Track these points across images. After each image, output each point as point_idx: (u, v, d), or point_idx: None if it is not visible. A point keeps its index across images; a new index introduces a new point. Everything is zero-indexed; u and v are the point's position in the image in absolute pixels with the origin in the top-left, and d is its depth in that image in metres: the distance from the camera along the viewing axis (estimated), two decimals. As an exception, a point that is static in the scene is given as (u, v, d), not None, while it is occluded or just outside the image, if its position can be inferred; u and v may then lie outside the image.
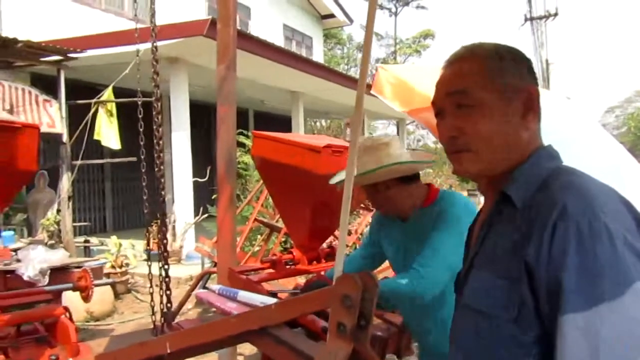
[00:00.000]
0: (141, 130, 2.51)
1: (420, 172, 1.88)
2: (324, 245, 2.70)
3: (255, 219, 4.90)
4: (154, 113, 2.40)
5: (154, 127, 2.41)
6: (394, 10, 32.14)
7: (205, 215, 7.26)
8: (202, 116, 10.95)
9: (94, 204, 10.12)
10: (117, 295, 5.65)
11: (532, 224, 0.80)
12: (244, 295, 2.03)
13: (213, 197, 7.05)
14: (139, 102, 2.56)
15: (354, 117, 1.13)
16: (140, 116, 2.52)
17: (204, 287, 4.21)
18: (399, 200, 1.76)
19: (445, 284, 1.60)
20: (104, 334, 4.63)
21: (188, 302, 4.11)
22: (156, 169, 2.22)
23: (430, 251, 1.63)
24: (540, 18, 22.34)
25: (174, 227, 7.20)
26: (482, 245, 0.93)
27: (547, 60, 21.17)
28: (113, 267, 5.81)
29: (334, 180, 1.90)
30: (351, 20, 18.85)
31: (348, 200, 1.19)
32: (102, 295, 4.79)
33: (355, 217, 6.21)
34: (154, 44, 2.37)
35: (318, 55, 17.40)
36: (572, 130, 2.05)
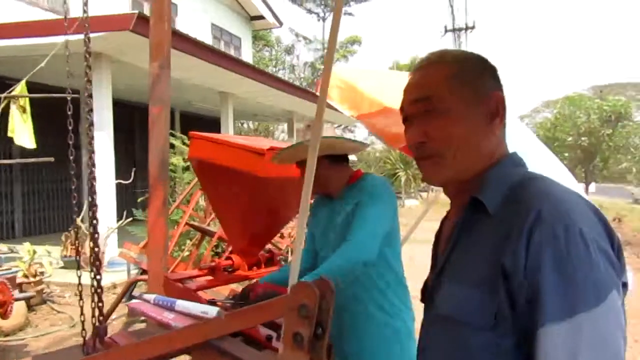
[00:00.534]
0: (70, 128, 2.31)
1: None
2: (264, 250, 2.63)
3: (186, 223, 4.72)
4: (85, 110, 2.22)
5: (85, 125, 2.23)
6: (322, 15, 32.52)
7: (129, 219, 6.90)
8: (125, 116, 10.43)
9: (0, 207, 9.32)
10: (30, 307, 5.18)
11: (507, 231, 0.79)
12: (182, 304, 1.93)
13: (139, 200, 6.72)
14: (69, 98, 2.35)
15: (315, 121, 1.09)
16: (69, 113, 2.32)
17: (131, 296, 3.99)
18: (331, 179, 1.92)
19: (378, 250, 1.74)
20: (16, 350, 4.24)
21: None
22: (89, 172, 2.05)
23: (358, 222, 1.76)
24: (459, 30, 23.57)
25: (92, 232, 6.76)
26: (452, 253, 0.92)
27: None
28: (26, 276, 5.34)
29: (274, 160, 1.99)
30: (280, 23, 18.82)
31: (306, 210, 1.15)
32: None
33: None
34: (87, 35, 2.20)
35: (247, 56, 17.20)
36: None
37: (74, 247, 6.76)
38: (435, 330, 0.94)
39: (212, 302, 2.13)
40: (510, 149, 0.96)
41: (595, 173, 26.65)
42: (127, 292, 3.89)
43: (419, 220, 2.84)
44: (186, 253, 5.22)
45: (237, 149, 2.12)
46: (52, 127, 7.60)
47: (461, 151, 0.90)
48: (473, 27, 23.73)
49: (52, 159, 4.85)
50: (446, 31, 23.74)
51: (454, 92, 0.91)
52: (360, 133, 30.25)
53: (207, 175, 2.35)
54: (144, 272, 4.43)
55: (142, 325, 4.34)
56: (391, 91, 2.10)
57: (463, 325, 0.84)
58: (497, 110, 0.92)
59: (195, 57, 7.49)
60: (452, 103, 0.90)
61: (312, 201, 2.16)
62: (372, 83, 2.14)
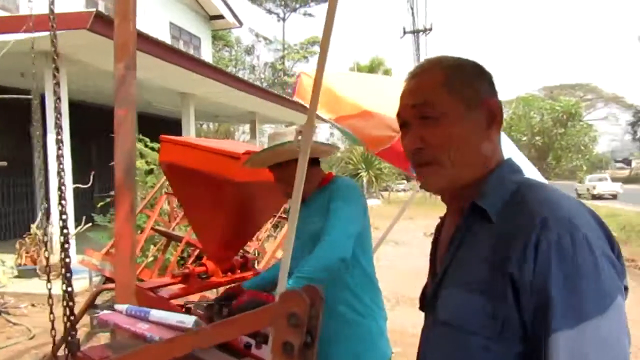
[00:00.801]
0: (35, 129, 2.19)
1: None
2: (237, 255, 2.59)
3: (152, 228, 4.59)
4: (53, 113, 2.11)
5: (55, 129, 2.13)
6: (282, 15, 32.43)
7: (89, 224, 6.66)
8: (81, 117, 10.07)
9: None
10: (-18, 320, 4.94)
11: (511, 239, 0.79)
12: (157, 314, 1.86)
13: (98, 205, 6.50)
14: (36, 101, 2.24)
15: (306, 125, 1.07)
16: (36, 116, 2.20)
17: (94, 306, 3.84)
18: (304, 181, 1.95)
19: (352, 248, 1.76)
20: (-31, 366, 4.02)
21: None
22: (58, 177, 1.94)
23: (332, 222, 1.79)
24: (417, 32, 23.99)
25: (51, 239, 6.50)
26: (453, 259, 0.92)
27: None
28: (-23, 287, 5.08)
29: (246, 165, 2.01)
30: (240, 23, 18.62)
31: (295, 213, 1.12)
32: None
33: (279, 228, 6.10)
34: (53, 33, 2.08)
35: (206, 56, 16.92)
36: None
37: (28, 255, 6.47)
38: (436, 336, 0.94)
39: (187, 310, 2.08)
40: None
41: (548, 171, 27.72)
42: (92, 302, 3.74)
43: (394, 222, 2.86)
44: (150, 259, 5.09)
45: (212, 153, 2.07)
46: (5, 130, 7.24)
47: (459, 157, 0.90)
48: (430, 29, 24.21)
49: (4, 163, 4.62)
50: (405, 33, 24.13)
51: (450, 97, 0.91)
52: (322, 135, 30.36)
53: (179, 180, 2.29)
54: (107, 280, 4.28)
55: (106, 336, 4.19)
56: (370, 95, 2.11)
57: (465, 332, 0.84)
58: (494, 116, 0.92)
59: (156, 57, 7.31)
60: (447, 108, 0.90)
61: (288, 209, 2.17)
62: (350, 86, 2.13)
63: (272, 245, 5.36)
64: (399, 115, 0.98)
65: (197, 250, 4.81)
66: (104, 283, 4.43)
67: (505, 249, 0.79)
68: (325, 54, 0.99)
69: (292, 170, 1.88)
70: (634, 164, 53.06)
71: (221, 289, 2.36)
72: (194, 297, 3.28)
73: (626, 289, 0.79)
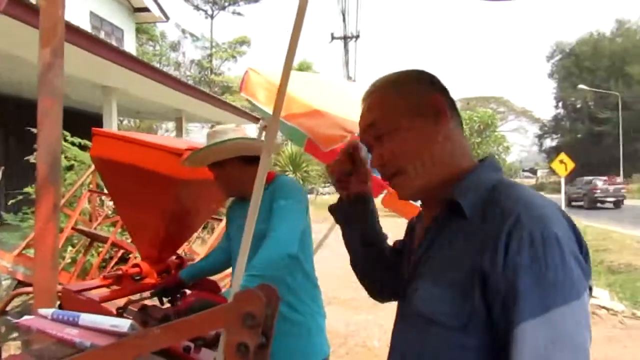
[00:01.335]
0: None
1: None
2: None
3: (73, 228, 4.29)
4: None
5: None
6: (210, 12, 31.75)
7: (-4, 224, 6.13)
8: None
9: None
10: None
11: (485, 235, 0.82)
12: (87, 318, 1.75)
13: (9, 203, 5.99)
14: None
15: (272, 121, 1.05)
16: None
17: (4, 312, 3.53)
18: (243, 180, 1.91)
19: (297, 244, 1.78)
20: None
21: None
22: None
23: (277, 219, 1.79)
24: (346, 38, 24.47)
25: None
26: (427, 252, 0.95)
27: (350, 78, 23.23)
28: None
29: (185, 163, 1.96)
30: (167, 17, 18.00)
31: (255, 211, 1.10)
32: None
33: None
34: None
35: (129, 49, 16.16)
36: None
37: None
38: (407, 326, 0.97)
39: (120, 313, 1.97)
40: None
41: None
42: (5, 307, 3.44)
43: (334, 225, 2.86)
44: (68, 261, 4.76)
45: (152, 149, 1.97)
46: None
47: (419, 162, 0.94)
48: (358, 37, 24.78)
49: None
50: (333, 38, 24.52)
51: (395, 110, 0.97)
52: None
53: (113, 176, 2.16)
54: (20, 283, 3.95)
55: (17, 344, 3.87)
56: (320, 95, 2.11)
57: (435, 324, 0.87)
58: (439, 112, 0.96)
59: (75, 46, 6.86)
60: (393, 123, 0.96)
61: (229, 206, 2.13)
62: (300, 86, 2.11)
63: (202, 248, 5.21)
64: (361, 139, 1.05)
65: (122, 252, 4.58)
66: (15, 288, 4.08)
67: (478, 245, 0.82)
68: (293, 53, 0.98)
69: (232, 169, 1.90)
70: (539, 173, 57.42)
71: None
72: (121, 302, 3.12)
73: (590, 289, 0.83)
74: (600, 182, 24.56)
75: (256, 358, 1.27)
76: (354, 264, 1.26)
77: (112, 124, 9.95)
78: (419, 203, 1.08)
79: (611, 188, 24.16)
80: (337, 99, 2.16)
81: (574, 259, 0.79)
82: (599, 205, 24.26)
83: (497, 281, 0.79)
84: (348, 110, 2.04)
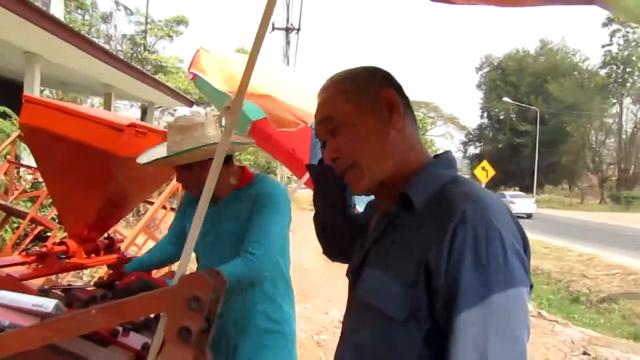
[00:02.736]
0: None
1: None
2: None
3: (-15, 202, 3.97)
4: None
5: None
6: (147, -14, 30.34)
7: None
8: None
9: None
10: None
11: (432, 229, 0.85)
12: (7, 296, 1.64)
13: None
14: None
15: (235, 101, 1.03)
16: None
17: None
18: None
19: (269, 268, 1.72)
20: None
21: None
22: None
23: (259, 233, 1.70)
24: (287, 29, 24.34)
25: None
26: (377, 244, 0.97)
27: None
28: None
29: (142, 160, 1.80)
30: (101, -14, 17.02)
31: (206, 203, 1.07)
32: None
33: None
34: None
35: (57, 15, 15.12)
36: None
37: None
38: (355, 316, 0.99)
39: (45, 292, 1.85)
40: None
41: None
42: None
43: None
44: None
45: (90, 121, 1.86)
46: None
47: (370, 156, 0.96)
48: (299, 29, 24.73)
49: None
50: (273, 28, 24.30)
51: (347, 106, 0.98)
52: (122, 113, 29.13)
53: (44, 148, 2.01)
54: None
55: None
56: (275, 82, 2.08)
57: (379, 313, 0.89)
58: (391, 107, 0.98)
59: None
60: (346, 117, 0.98)
61: (188, 199, 2.06)
62: (255, 71, 2.07)
63: (126, 231, 5.00)
64: (316, 132, 1.06)
65: (40, 229, 4.29)
66: None
67: (425, 239, 0.85)
68: (264, 34, 0.96)
69: (202, 169, 1.74)
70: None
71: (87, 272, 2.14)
72: (38, 282, 2.93)
73: (531, 286, 0.87)
74: (518, 198, 27.81)
75: (198, 343, 1.24)
76: (318, 222, 1.33)
77: (33, 93, 9.28)
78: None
79: (526, 201, 27.53)
80: (290, 87, 2.15)
81: (516, 256, 0.83)
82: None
83: (440, 276, 0.82)
84: (301, 100, 2.03)
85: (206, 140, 1.73)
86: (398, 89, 1.02)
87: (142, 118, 16.85)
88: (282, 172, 22.79)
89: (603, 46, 37.28)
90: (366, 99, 0.98)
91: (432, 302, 0.83)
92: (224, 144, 1.00)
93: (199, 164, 1.75)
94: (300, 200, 23.32)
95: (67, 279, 3.49)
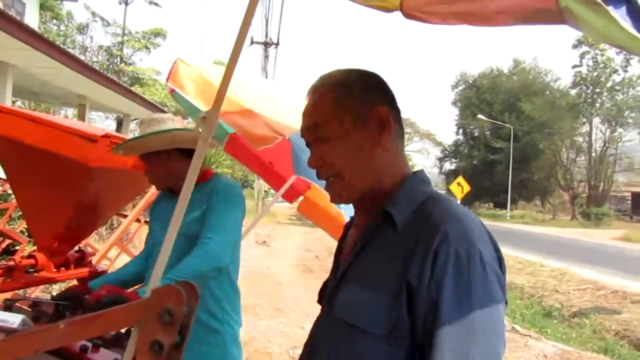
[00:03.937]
0: None
1: None
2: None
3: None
4: None
5: None
6: (125, -2, 30.17)
7: None
8: None
9: None
10: None
11: (413, 247, 0.85)
12: (-29, 311, 1.58)
13: None
14: None
15: (211, 111, 1.02)
16: None
17: None
18: (179, 174, 1.82)
19: (229, 256, 1.71)
20: None
21: None
22: None
23: (212, 227, 1.71)
24: (266, 44, 24.42)
25: None
26: (356, 260, 0.96)
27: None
28: None
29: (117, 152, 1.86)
30: (76, -4, 16.86)
31: (185, 204, 1.06)
32: None
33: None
34: None
35: (31, 25, 14.89)
36: None
37: None
38: (328, 332, 0.97)
39: (9, 306, 1.79)
40: None
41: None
42: None
43: (251, 227, 2.84)
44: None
45: (63, 132, 1.82)
46: None
47: (354, 170, 0.96)
48: (278, 44, 24.83)
49: None
50: (252, 42, 24.36)
51: (337, 116, 0.96)
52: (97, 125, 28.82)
53: (14, 158, 1.96)
54: None
55: None
56: (252, 95, 2.07)
57: (358, 330, 0.88)
58: (384, 125, 0.97)
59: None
60: (336, 128, 0.96)
61: (153, 201, 2.03)
62: (232, 84, 2.06)
63: (99, 245, 4.89)
64: (302, 135, 1.04)
65: (8, 242, 4.17)
66: None
67: (407, 258, 0.85)
68: (242, 44, 0.96)
69: (168, 160, 1.81)
70: (437, 194, 60.86)
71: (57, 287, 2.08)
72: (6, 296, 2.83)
73: (506, 303, 0.89)
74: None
75: (170, 358, 1.22)
76: None
77: (4, 104, 9.07)
78: (348, 211, 1.10)
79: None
80: (268, 100, 2.14)
81: (495, 275, 0.85)
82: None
83: (422, 295, 0.83)
84: (279, 113, 2.03)
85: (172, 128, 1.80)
86: (391, 102, 1.01)
87: (118, 130, 16.62)
88: (259, 186, 22.70)
89: (573, 67, 38.35)
90: (357, 113, 0.96)
91: (413, 318, 0.84)
92: (200, 151, 0.99)
93: (165, 153, 1.81)
94: (277, 214, 23.19)
95: (36, 293, 3.38)
